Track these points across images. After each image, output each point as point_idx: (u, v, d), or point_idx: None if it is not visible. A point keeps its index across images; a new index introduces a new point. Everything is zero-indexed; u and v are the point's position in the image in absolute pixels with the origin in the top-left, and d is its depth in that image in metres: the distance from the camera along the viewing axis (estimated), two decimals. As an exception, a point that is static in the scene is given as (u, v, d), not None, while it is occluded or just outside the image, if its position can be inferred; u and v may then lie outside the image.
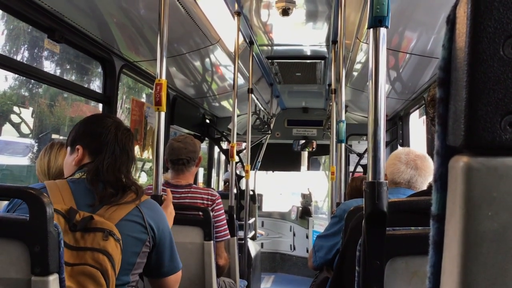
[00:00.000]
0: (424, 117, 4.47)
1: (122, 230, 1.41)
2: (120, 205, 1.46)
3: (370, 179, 1.09)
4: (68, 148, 1.62)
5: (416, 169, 2.00)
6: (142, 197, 1.54)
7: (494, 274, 0.41)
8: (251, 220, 5.57)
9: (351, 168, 5.73)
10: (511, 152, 0.41)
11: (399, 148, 2.15)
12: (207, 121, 5.61)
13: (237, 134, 4.42)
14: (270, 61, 4.44)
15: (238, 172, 6.17)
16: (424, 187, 2.01)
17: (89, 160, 1.55)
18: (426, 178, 2.02)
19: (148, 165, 5.61)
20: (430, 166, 2.03)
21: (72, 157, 1.58)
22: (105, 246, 1.34)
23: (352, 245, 1.27)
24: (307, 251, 7.07)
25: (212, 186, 6.45)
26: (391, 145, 5.14)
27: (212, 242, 2.52)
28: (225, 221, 2.78)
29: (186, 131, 4.87)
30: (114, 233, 1.37)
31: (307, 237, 7.24)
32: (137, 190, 1.53)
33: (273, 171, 8.62)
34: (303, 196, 7.68)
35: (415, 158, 2.02)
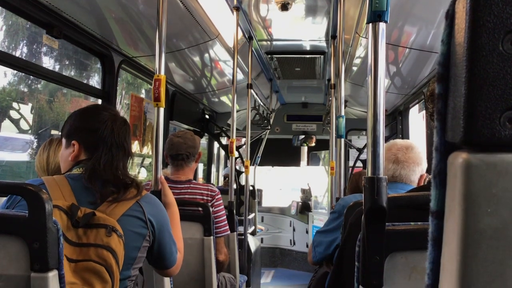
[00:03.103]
0: (424, 112, 4.47)
1: (123, 225, 1.41)
2: (121, 201, 1.46)
3: (369, 174, 1.08)
4: (64, 141, 1.59)
5: (398, 163, 1.97)
6: (142, 192, 1.55)
7: (493, 271, 0.41)
8: (251, 216, 5.58)
9: (351, 163, 5.73)
10: (510, 148, 0.41)
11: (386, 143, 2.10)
12: (207, 116, 5.60)
13: (237, 129, 4.42)
14: (269, 56, 4.43)
15: (237, 167, 6.17)
16: (413, 178, 2.00)
17: (86, 156, 1.53)
18: (411, 169, 1.98)
19: (147, 161, 5.61)
20: (414, 156, 2.00)
21: (68, 152, 1.56)
22: (108, 242, 1.34)
23: (351, 240, 1.27)
24: (307, 246, 7.09)
25: (211, 182, 6.46)
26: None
27: (212, 237, 2.52)
28: (225, 217, 2.78)
29: (186, 126, 4.87)
30: (117, 229, 1.37)
31: (307, 232, 7.25)
32: (138, 186, 1.53)
33: (272, 166, 8.63)
34: (303, 191, 7.69)
35: (396, 151, 1.99)
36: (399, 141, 2.11)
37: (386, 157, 1.97)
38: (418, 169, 2.01)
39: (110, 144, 1.53)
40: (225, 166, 7.08)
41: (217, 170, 7.04)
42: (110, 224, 1.37)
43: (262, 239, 7.21)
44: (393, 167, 1.98)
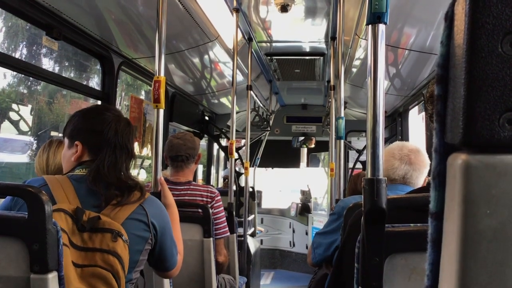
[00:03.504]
0: (423, 113, 4.47)
1: (127, 229, 1.40)
2: (125, 204, 1.45)
3: (369, 176, 1.08)
4: (66, 140, 1.58)
5: (410, 164, 1.98)
6: (146, 195, 1.54)
7: (492, 272, 0.41)
8: (251, 217, 5.57)
9: (351, 165, 5.74)
10: (509, 149, 0.41)
11: (393, 143, 2.12)
12: (206, 118, 5.60)
13: (236, 131, 4.42)
14: (269, 57, 4.43)
15: (237, 169, 6.16)
16: (420, 182, 2.00)
17: (89, 157, 1.52)
18: (421, 172, 1.99)
19: (147, 162, 5.61)
20: (424, 160, 2.01)
21: (71, 152, 1.54)
22: (114, 247, 1.33)
23: (351, 242, 1.27)
24: (307, 247, 7.08)
25: (211, 183, 6.45)
26: (390, 142, 5.14)
27: (211, 239, 2.52)
28: (224, 218, 2.78)
29: (185, 128, 4.87)
30: (122, 234, 1.36)
31: (306, 233, 7.25)
32: (142, 189, 1.52)
33: (272, 168, 8.63)
34: (303, 192, 7.69)
35: (408, 153, 2.00)
36: (407, 143, 2.11)
37: (397, 156, 1.99)
38: (425, 172, 2.02)
39: (114, 145, 1.52)
40: (225, 167, 7.08)
41: (217, 172, 7.04)
42: (115, 228, 1.36)
43: (261, 240, 7.20)
44: (406, 168, 1.98)
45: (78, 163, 1.52)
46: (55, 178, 1.46)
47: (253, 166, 6.60)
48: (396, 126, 5.11)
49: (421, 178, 2.01)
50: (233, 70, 3.51)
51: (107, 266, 1.31)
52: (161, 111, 1.95)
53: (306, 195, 7.62)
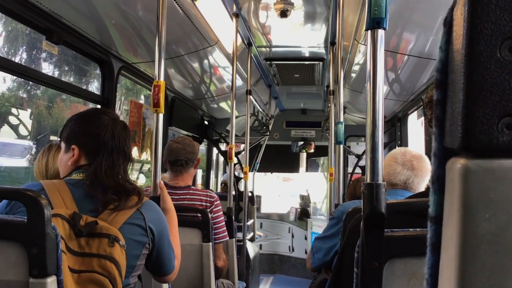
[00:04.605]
0: (422, 118, 4.47)
1: (124, 233, 1.39)
2: (122, 209, 1.44)
3: (368, 181, 1.09)
4: (63, 145, 1.57)
5: (413, 169, 1.98)
6: (143, 199, 1.53)
7: (491, 276, 0.41)
8: (250, 222, 5.56)
9: (350, 170, 5.74)
10: (508, 154, 0.41)
11: (396, 148, 2.12)
12: (206, 122, 5.60)
13: (236, 135, 4.42)
14: (268, 62, 4.44)
15: (236, 173, 6.16)
16: (421, 188, 2.00)
17: (86, 161, 1.51)
18: (422, 179, 2.00)
19: (146, 167, 5.60)
20: (426, 166, 2.01)
21: (68, 156, 1.53)
22: (111, 252, 1.33)
23: (350, 247, 1.27)
24: (306, 252, 7.07)
25: (210, 188, 6.45)
26: (390, 147, 5.15)
27: (210, 243, 2.51)
28: (223, 223, 2.78)
29: (185, 132, 4.87)
30: (120, 239, 1.36)
31: (305, 238, 7.24)
32: (139, 193, 1.51)
33: (271, 173, 8.63)
34: (302, 197, 7.68)
35: (411, 158, 2.01)
36: (411, 149, 2.12)
37: (399, 161, 2.00)
38: (427, 180, 2.02)
39: (110, 149, 1.51)
40: (224, 172, 7.07)
41: (216, 176, 7.03)
42: (112, 233, 1.35)
43: (260, 245, 7.19)
44: (408, 173, 1.98)
45: (75, 167, 1.52)
46: (52, 182, 1.45)
47: (252, 171, 6.59)
48: (395, 131, 5.12)
49: (422, 184, 2.01)
50: (232, 75, 3.52)
51: (104, 272, 1.31)
52: (161, 116, 1.95)
53: (305, 200, 7.62)
